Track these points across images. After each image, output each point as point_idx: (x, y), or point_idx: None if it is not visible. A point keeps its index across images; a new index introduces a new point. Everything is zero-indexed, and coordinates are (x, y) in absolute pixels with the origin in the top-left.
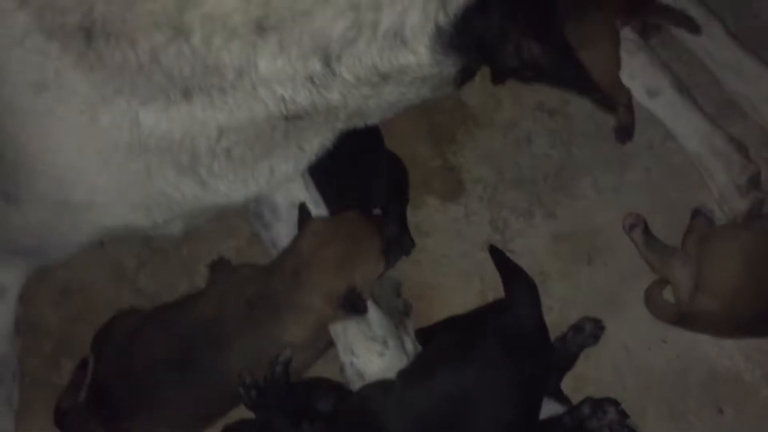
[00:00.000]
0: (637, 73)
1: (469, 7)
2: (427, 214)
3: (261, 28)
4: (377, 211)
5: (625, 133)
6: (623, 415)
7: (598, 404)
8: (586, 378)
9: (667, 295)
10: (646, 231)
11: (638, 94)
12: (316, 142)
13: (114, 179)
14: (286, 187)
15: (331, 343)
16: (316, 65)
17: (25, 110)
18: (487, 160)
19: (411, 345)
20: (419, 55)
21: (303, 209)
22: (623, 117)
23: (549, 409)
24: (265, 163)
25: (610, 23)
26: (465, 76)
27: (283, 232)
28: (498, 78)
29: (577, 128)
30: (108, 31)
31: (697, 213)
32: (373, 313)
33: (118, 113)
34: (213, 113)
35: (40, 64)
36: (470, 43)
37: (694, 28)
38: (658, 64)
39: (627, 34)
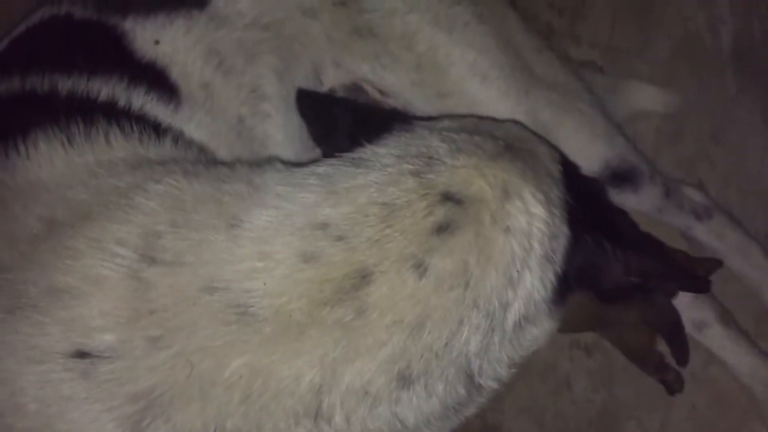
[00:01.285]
0: (683, 307)
1: (569, 249)
2: None
3: (405, 379)
4: None
5: (672, 385)
6: None
7: None
8: None
9: None
10: None
11: (686, 327)
12: None
13: None
14: None
15: None
16: (461, 390)
17: None
18: (528, 411)
19: None
20: (543, 324)
21: None
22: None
23: None
24: None
25: None
26: None
27: None
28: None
29: (617, 364)
30: None
31: None
32: None
33: None
34: None
35: None
36: (577, 281)
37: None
38: (703, 296)
39: None
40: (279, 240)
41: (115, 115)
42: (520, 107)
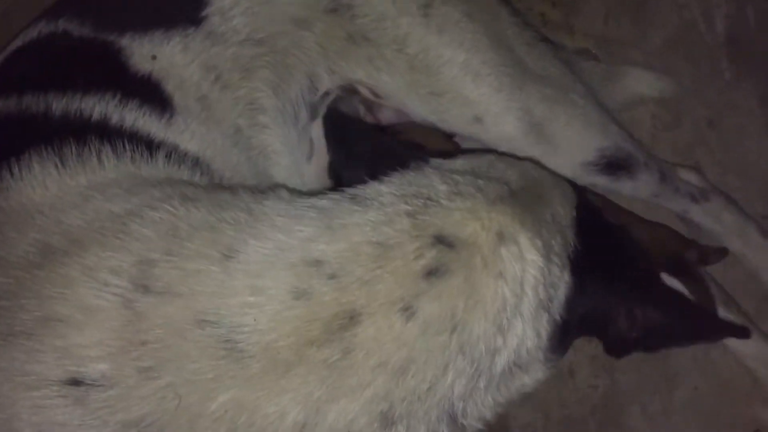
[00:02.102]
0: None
1: (570, 297)
2: None
3: (387, 420)
4: None
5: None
6: None
7: None
8: None
9: None
10: None
11: None
12: None
13: None
14: None
15: None
16: (444, 430)
17: None
18: (532, 401)
19: None
20: (536, 372)
21: None
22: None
23: None
24: None
25: None
26: None
27: None
28: (619, 351)
29: None
30: None
31: None
32: None
33: None
34: None
35: None
36: (579, 329)
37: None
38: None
39: None
40: (272, 275)
41: (107, 133)
42: (514, 103)
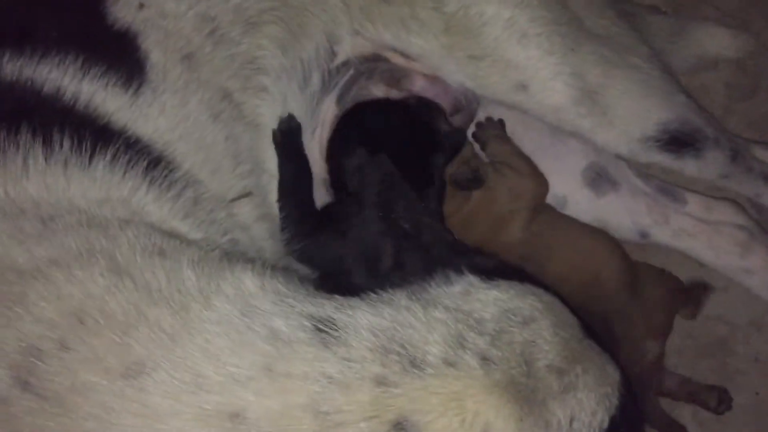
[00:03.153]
0: (758, 269)
1: None
2: None
3: None
4: None
5: None
6: None
7: None
8: None
9: None
10: None
11: (761, 292)
12: None
13: None
14: None
15: None
16: None
17: None
18: None
19: None
20: None
21: None
22: None
23: None
24: None
25: None
26: None
27: None
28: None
29: (671, 344)
30: None
31: None
32: None
33: None
34: None
35: None
36: None
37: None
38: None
39: (738, 219)
40: (173, 421)
41: (49, 119)
42: (565, 67)
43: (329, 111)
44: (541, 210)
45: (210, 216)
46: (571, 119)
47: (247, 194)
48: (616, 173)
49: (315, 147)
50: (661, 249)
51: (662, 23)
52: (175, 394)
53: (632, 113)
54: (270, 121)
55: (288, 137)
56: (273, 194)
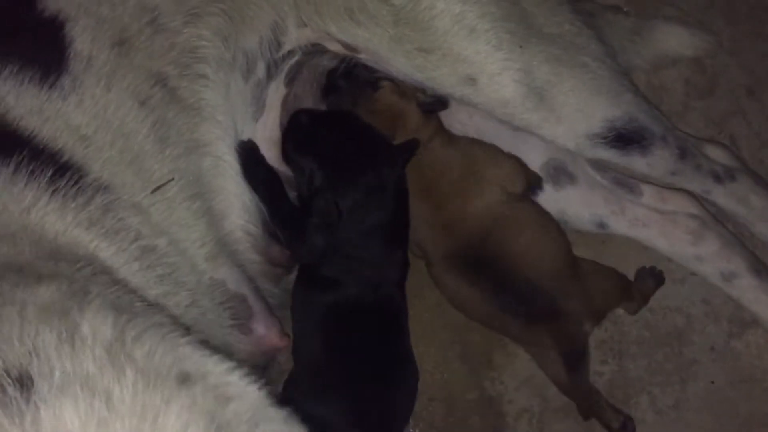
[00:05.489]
0: (709, 256)
1: None
2: None
3: None
4: None
5: None
6: None
7: None
8: None
9: None
10: None
11: (713, 279)
12: None
13: None
14: None
15: None
16: None
17: None
18: (530, 385)
19: None
20: None
21: None
22: None
23: None
24: None
25: None
26: None
27: None
28: None
29: (629, 335)
30: None
31: None
32: None
33: None
34: None
35: None
36: None
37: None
38: (731, 244)
39: (691, 209)
40: None
41: None
42: (514, 63)
43: (278, 92)
44: (523, 198)
45: (119, 224)
46: (520, 114)
47: (169, 180)
48: (574, 167)
49: (258, 134)
50: (623, 240)
51: (623, 22)
52: None
53: (579, 110)
54: (213, 105)
55: (249, 158)
56: (217, 177)
